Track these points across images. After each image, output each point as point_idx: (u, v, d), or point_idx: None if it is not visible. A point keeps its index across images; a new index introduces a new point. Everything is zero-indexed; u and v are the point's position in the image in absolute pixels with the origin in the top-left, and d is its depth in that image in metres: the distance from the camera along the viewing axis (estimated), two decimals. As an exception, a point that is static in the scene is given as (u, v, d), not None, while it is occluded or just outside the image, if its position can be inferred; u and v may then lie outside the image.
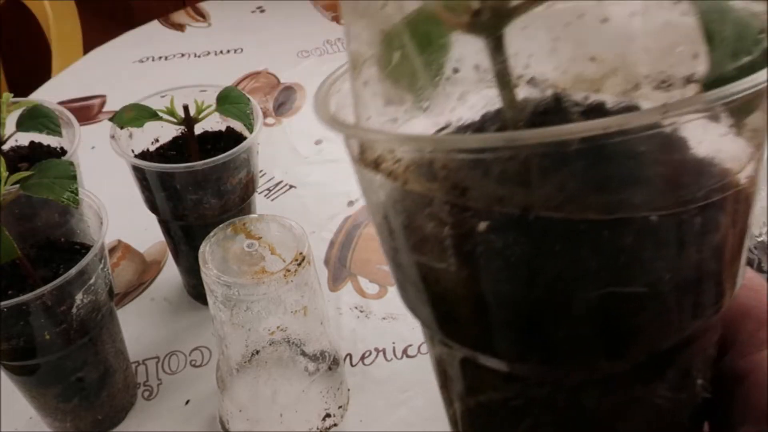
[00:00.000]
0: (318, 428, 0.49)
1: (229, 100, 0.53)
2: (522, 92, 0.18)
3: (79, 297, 0.43)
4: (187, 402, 0.53)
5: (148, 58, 0.97)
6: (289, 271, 0.43)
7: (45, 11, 1.10)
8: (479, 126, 0.19)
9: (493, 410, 0.20)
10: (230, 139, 0.58)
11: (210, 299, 0.45)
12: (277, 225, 0.46)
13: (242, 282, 0.42)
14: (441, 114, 0.19)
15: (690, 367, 0.19)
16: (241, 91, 0.54)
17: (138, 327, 0.58)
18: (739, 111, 0.15)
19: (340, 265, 0.64)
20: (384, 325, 0.58)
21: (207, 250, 0.44)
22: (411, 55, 0.17)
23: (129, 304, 0.61)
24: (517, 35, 0.17)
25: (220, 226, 0.45)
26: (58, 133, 0.52)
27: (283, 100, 0.88)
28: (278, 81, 0.92)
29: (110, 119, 0.52)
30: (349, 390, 0.52)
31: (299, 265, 0.43)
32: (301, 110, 0.86)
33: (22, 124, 0.51)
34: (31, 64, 1.33)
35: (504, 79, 0.17)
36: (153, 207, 0.55)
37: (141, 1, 1.35)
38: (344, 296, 0.61)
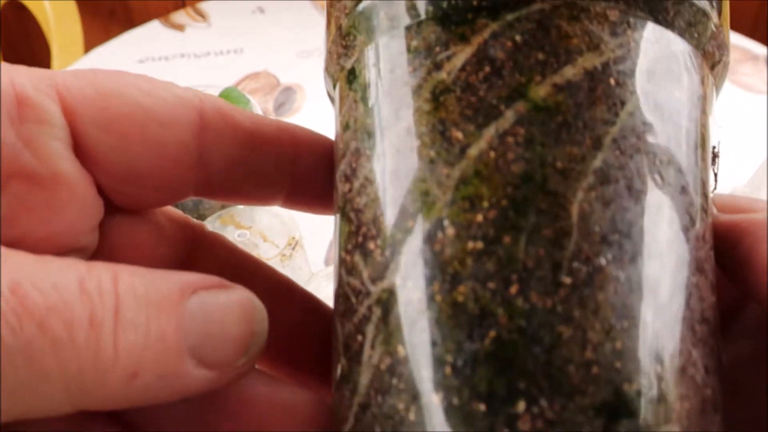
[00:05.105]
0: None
1: (229, 101, 0.53)
2: None
3: (79, 297, 0.43)
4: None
5: (148, 58, 0.97)
6: (284, 255, 0.44)
7: (45, 11, 1.10)
8: None
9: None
10: (230, 139, 0.58)
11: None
12: (264, 213, 0.46)
13: None
14: None
15: None
16: (241, 91, 0.54)
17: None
18: None
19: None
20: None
21: None
22: None
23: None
24: None
25: (209, 218, 0.46)
26: (59, 133, 0.52)
27: (283, 100, 0.88)
28: (278, 81, 0.92)
29: (110, 119, 0.52)
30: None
31: (293, 249, 0.44)
32: (301, 110, 0.86)
33: (23, 124, 0.51)
34: (31, 64, 1.33)
35: None
36: (153, 207, 0.55)
37: (141, 1, 1.35)
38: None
